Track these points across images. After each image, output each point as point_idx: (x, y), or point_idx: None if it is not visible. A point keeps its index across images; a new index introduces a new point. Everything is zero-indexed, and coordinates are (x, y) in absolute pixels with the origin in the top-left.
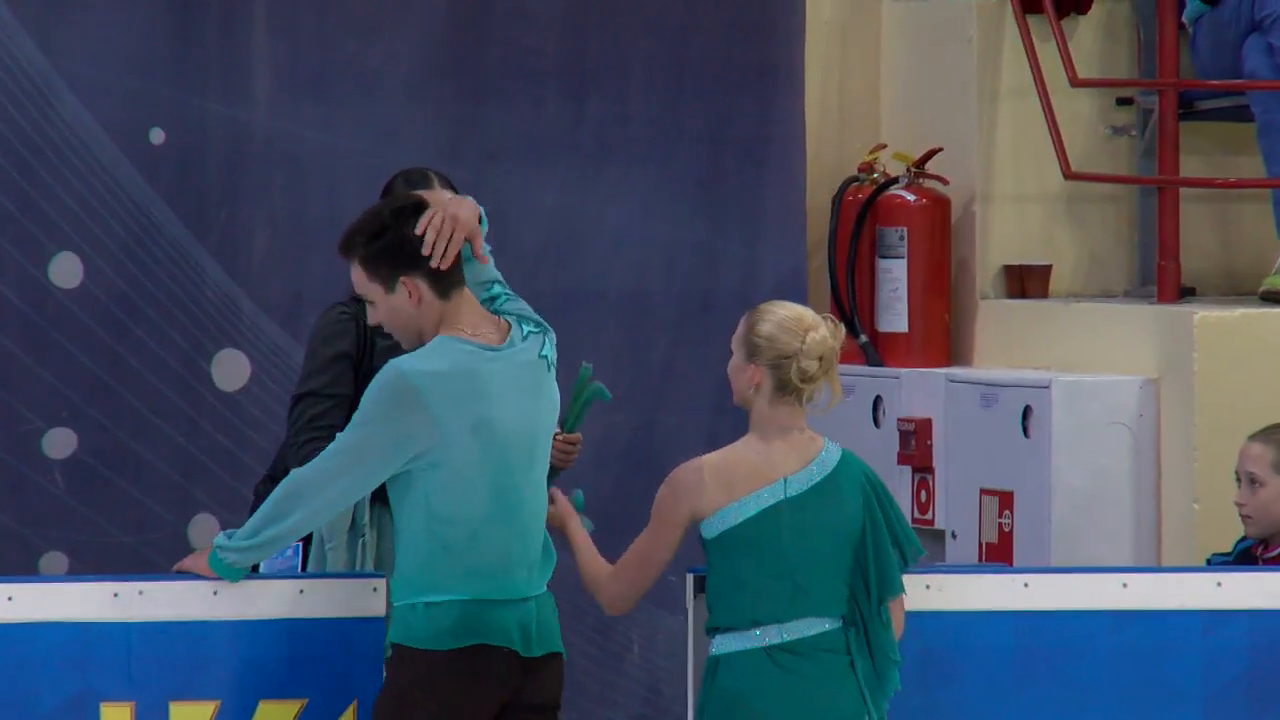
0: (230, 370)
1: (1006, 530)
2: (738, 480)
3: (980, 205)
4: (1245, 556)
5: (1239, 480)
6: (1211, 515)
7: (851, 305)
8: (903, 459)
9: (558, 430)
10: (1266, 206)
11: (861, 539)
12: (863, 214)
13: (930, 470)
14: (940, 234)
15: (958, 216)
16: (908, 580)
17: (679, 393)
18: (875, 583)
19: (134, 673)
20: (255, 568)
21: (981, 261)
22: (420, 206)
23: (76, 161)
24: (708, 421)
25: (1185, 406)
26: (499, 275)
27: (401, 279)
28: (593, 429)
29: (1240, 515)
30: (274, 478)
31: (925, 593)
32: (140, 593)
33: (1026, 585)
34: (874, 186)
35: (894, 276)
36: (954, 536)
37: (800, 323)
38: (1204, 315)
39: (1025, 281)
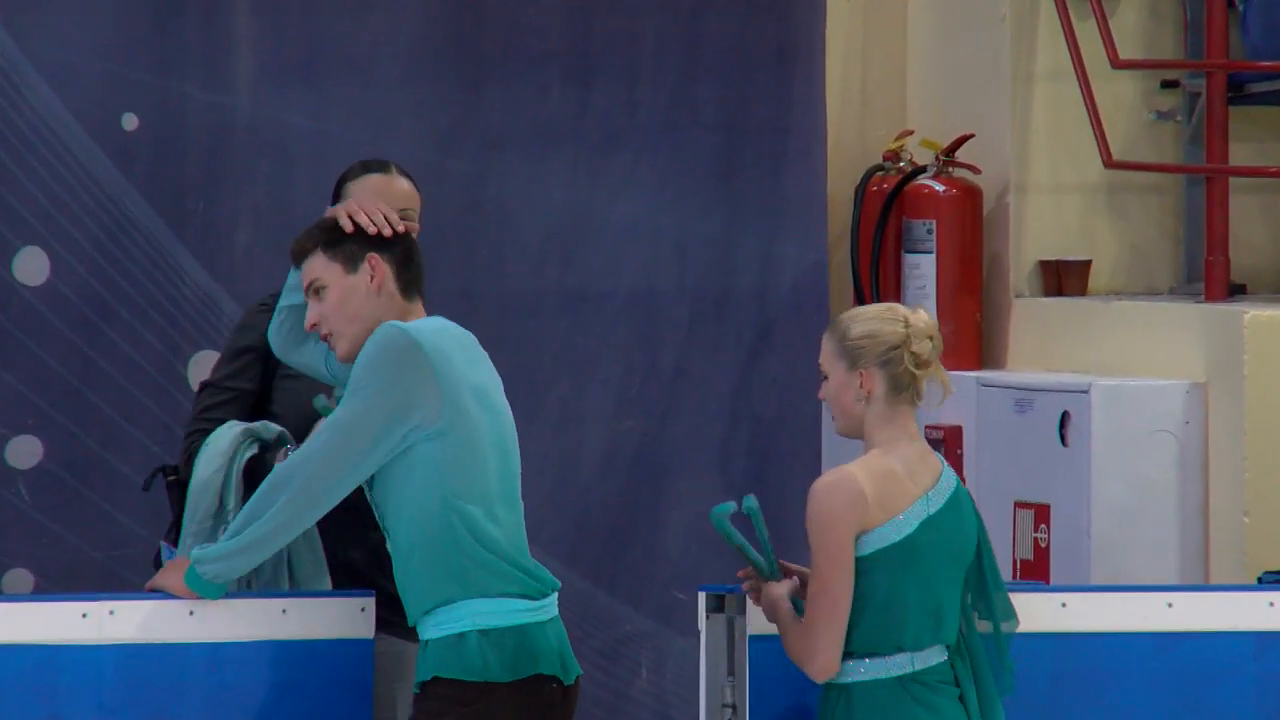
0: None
1: (1043, 546)
2: (891, 495)
3: (1014, 196)
4: None
5: None
6: (1263, 529)
7: (876, 303)
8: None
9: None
10: None
11: (977, 561)
12: (888, 206)
13: (961, 480)
14: (971, 227)
15: (990, 208)
16: None
17: (691, 398)
18: (997, 608)
19: (105, 699)
20: (249, 583)
21: (1015, 257)
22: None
23: (44, 150)
24: (722, 429)
25: (1234, 412)
26: None
27: (368, 256)
28: (598, 435)
29: None
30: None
31: None
32: (111, 613)
33: (1064, 605)
34: (900, 176)
35: (921, 273)
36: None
37: (894, 310)
38: (1255, 315)
39: (1062, 278)
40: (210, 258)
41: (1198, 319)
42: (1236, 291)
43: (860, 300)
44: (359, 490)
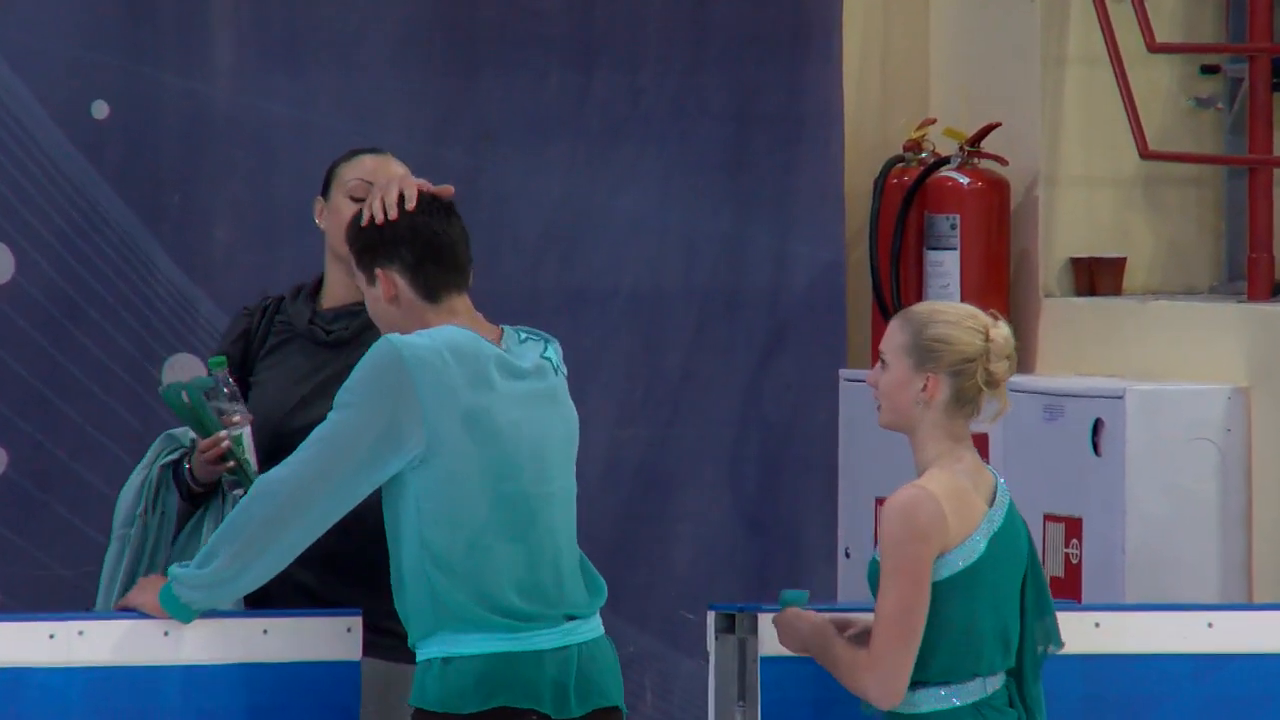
0: (184, 378)
1: (1074, 562)
2: (965, 514)
3: (1044, 189)
4: None
5: None
6: None
7: (896, 304)
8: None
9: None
10: None
11: (1026, 580)
12: (909, 199)
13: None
14: (998, 222)
15: (1018, 202)
16: None
17: (699, 404)
18: (1052, 628)
19: None
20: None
21: (1045, 254)
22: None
23: (8, 140)
24: (732, 436)
25: (1279, 418)
26: None
27: (378, 271)
28: (600, 443)
29: None
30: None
31: None
32: (80, 633)
33: (1097, 625)
34: (922, 168)
35: (945, 270)
36: None
37: (977, 319)
38: None
39: (1095, 276)
40: (186, 255)
41: (1239, 320)
42: None
43: (880, 301)
44: None
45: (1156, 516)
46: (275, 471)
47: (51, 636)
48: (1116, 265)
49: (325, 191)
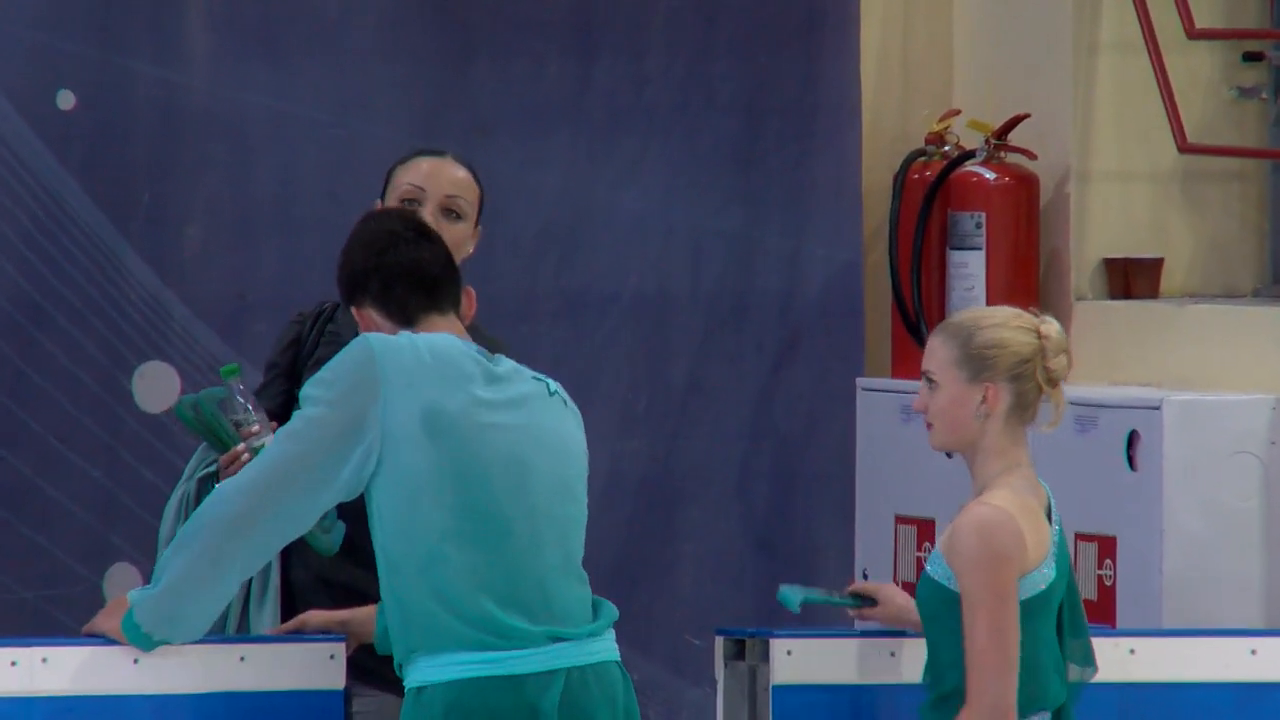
0: (156, 388)
1: (1108, 584)
2: (1038, 535)
3: (1075, 185)
4: None
5: None
6: None
7: (917, 307)
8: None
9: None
10: None
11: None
12: (931, 196)
13: None
14: (1026, 220)
15: (1047, 199)
16: None
17: (706, 415)
18: (1087, 650)
19: None
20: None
21: (1077, 254)
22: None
23: None
24: (741, 449)
25: None
26: None
27: (354, 310)
28: (600, 457)
29: None
30: None
31: None
32: (44, 660)
33: (1133, 651)
34: (945, 162)
35: (969, 272)
36: None
37: (1023, 318)
38: None
39: (1130, 278)
40: (158, 256)
41: None
42: None
43: (901, 305)
44: None
45: (1196, 535)
46: (234, 477)
47: (13, 664)
48: (1153, 266)
49: (383, 196)
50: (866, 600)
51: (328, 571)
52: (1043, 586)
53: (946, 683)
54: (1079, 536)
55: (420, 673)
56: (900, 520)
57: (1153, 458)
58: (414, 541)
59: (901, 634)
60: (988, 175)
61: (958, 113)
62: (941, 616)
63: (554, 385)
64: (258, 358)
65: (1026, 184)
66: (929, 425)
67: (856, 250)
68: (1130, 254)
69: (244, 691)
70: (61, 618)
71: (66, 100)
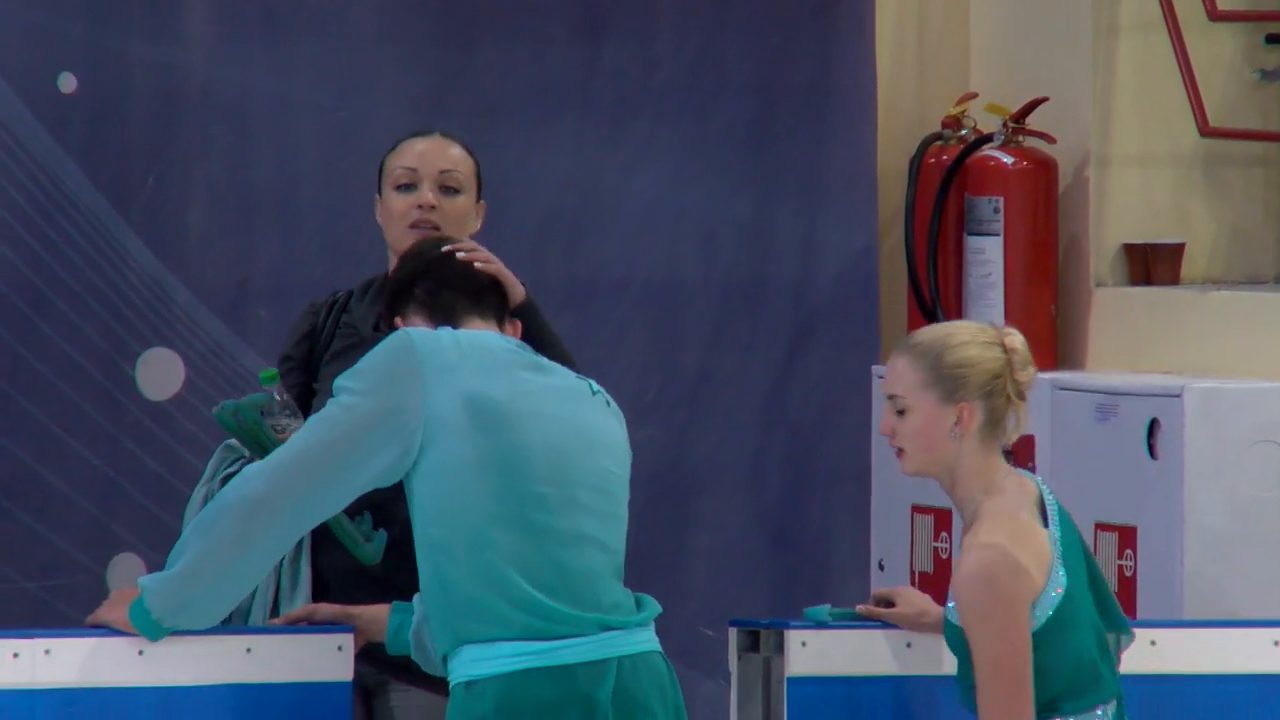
0: (160, 375)
1: (1128, 574)
2: (1038, 550)
3: (1094, 170)
4: None
5: None
6: None
7: (934, 294)
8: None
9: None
10: None
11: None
12: (948, 181)
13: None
14: (1045, 205)
15: (1066, 183)
16: None
17: (719, 404)
18: (1117, 614)
19: None
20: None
21: (1096, 240)
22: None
23: None
24: (754, 439)
25: None
26: None
27: (397, 321)
28: None
29: None
30: None
31: None
32: (47, 652)
33: (1153, 643)
34: (962, 146)
35: (987, 259)
36: None
37: (988, 332)
38: None
39: (1151, 265)
40: (160, 240)
41: None
42: None
43: (917, 292)
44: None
45: (1217, 526)
46: (259, 461)
47: (15, 655)
48: (1174, 252)
49: (379, 188)
50: (885, 603)
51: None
52: (1058, 594)
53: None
54: (1099, 526)
55: (469, 666)
56: (917, 510)
57: (1174, 446)
58: (459, 526)
59: None
60: (1006, 159)
61: (975, 96)
62: (967, 653)
63: (595, 386)
64: (261, 343)
65: (1045, 168)
66: (899, 452)
67: (872, 236)
68: (1151, 239)
69: (250, 683)
70: (64, 608)
71: (67, 83)
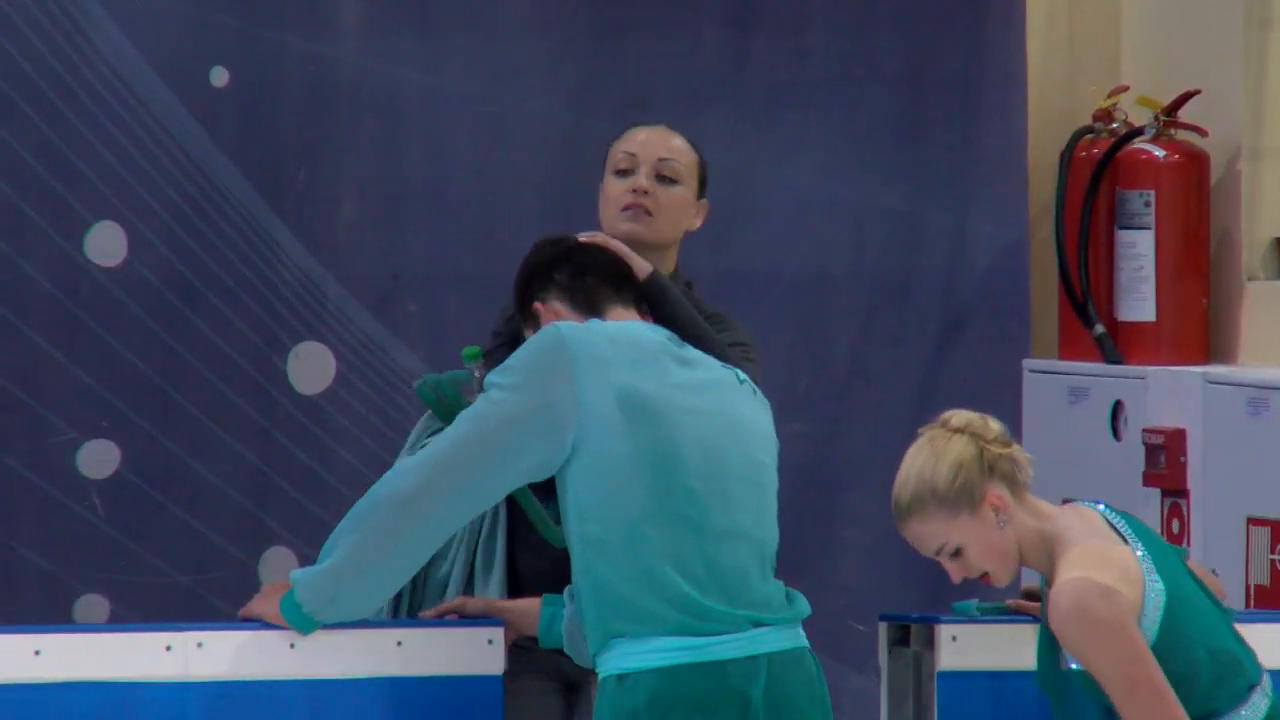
0: (311, 368)
1: None
2: (1124, 569)
3: (1247, 163)
4: None
5: None
6: None
7: (1084, 288)
8: (1150, 479)
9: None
10: None
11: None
12: (1099, 174)
13: (1184, 493)
14: (1196, 199)
15: (1218, 177)
16: None
17: (868, 398)
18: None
19: None
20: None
21: (1248, 233)
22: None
23: (119, 110)
24: (904, 434)
25: None
26: None
27: (536, 306)
28: None
29: None
30: None
31: None
32: (199, 645)
33: None
34: (1113, 139)
35: (1138, 252)
36: (1214, 575)
37: (934, 436)
38: None
39: None
40: (312, 234)
41: None
42: None
43: (1067, 286)
44: None
45: None
46: (413, 456)
47: (168, 648)
48: None
49: (602, 177)
50: (1034, 597)
51: (564, 562)
52: (1163, 600)
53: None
54: (1251, 521)
55: (621, 659)
56: (1066, 503)
57: None
58: (614, 522)
59: None
60: (1157, 153)
61: (1126, 89)
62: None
63: (743, 375)
64: (411, 336)
65: (1196, 161)
66: (985, 577)
67: (1022, 229)
68: None
69: (400, 676)
70: (216, 601)
71: (220, 77)
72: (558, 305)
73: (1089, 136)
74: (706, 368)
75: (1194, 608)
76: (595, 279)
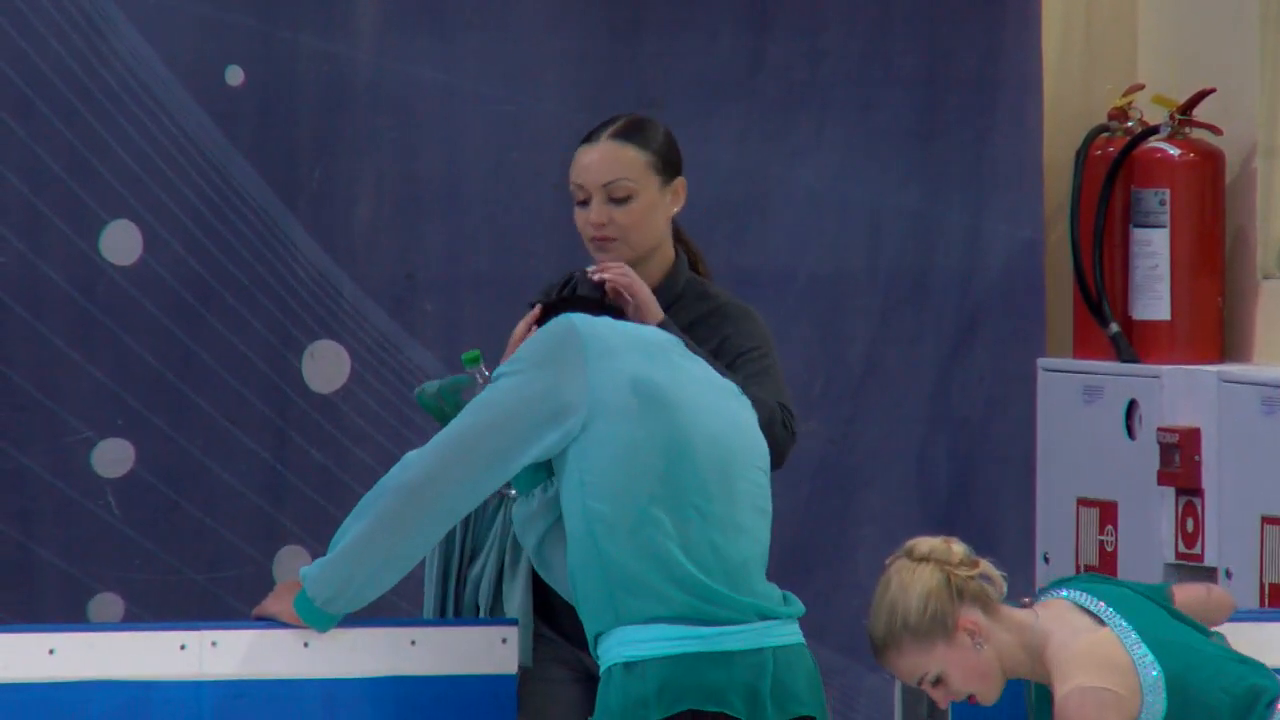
0: (327, 367)
1: None
2: (1114, 661)
3: (1262, 161)
4: None
5: None
6: None
7: (1099, 287)
8: (1164, 478)
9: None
10: None
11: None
12: (1114, 172)
13: (1199, 492)
14: (1211, 197)
15: (1233, 175)
16: None
17: (884, 397)
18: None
19: None
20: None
21: (1264, 232)
22: None
23: (135, 109)
24: (920, 433)
25: None
26: None
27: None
28: None
29: None
30: None
31: None
32: (213, 644)
33: None
34: (1128, 138)
35: (1153, 250)
36: (1229, 576)
37: (900, 569)
38: None
39: None
40: (327, 234)
41: None
42: None
43: (1082, 284)
44: None
45: None
46: (422, 447)
47: (183, 647)
48: None
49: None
50: None
51: None
52: (1163, 685)
53: None
54: (1266, 520)
55: (627, 647)
56: (1082, 503)
57: None
58: (625, 504)
59: None
60: (1172, 151)
61: (1141, 87)
62: None
63: (737, 389)
64: (427, 335)
65: (1212, 160)
66: (972, 700)
67: (1038, 228)
68: None
69: (415, 676)
70: (230, 600)
71: (235, 76)
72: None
73: (1104, 135)
74: (709, 369)
75: (1194, 659)
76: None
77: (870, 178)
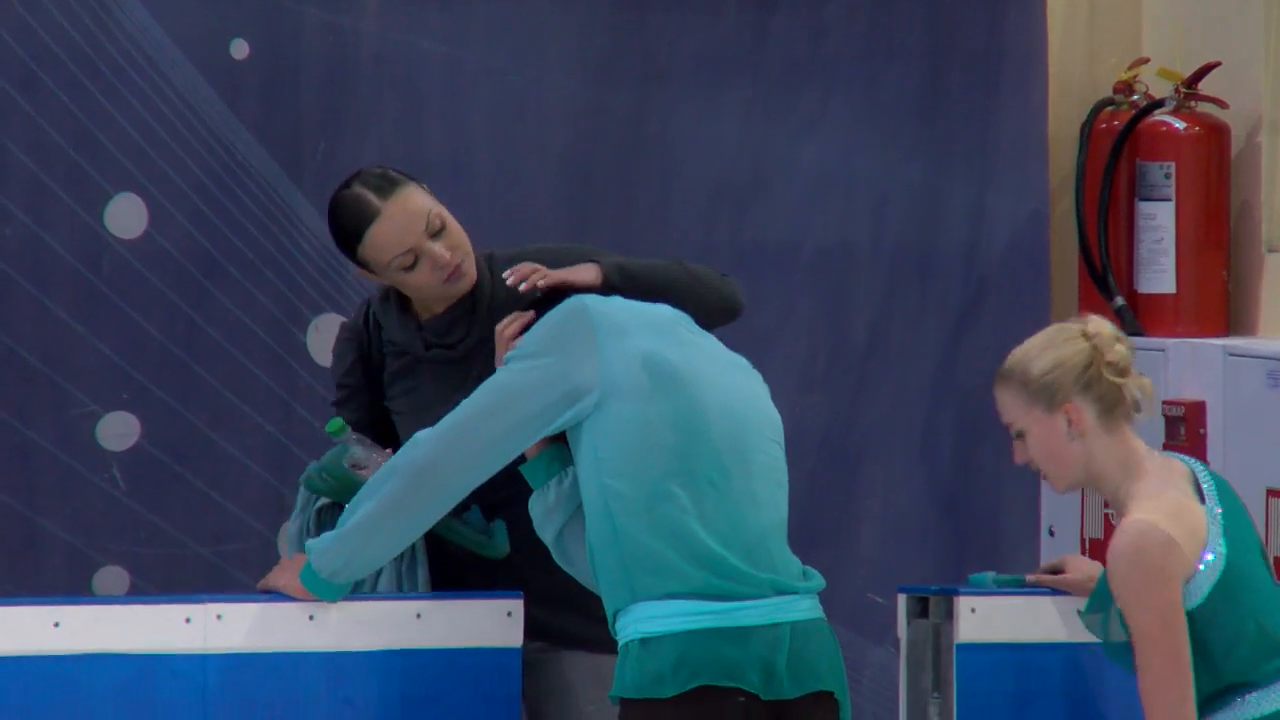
0: (331, 341)
1: None
2: (1192, 526)
3: (1267, 135)
4: None
5: None
6: None
7: (1104, 260)
8: (1170, 451)
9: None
10: None
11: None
12: (1119, 146)
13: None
14: (1217, 170)
15: (1239, 148)
16: None
17: (888, 373)
18: None
19: (210, 715)
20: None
21: (1269, 205)
22: None
23: (140, 82)
24: (924, 410)
25: None
26: None
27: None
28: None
29: None
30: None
31: None
32: (218, 617)
33: None
34: (1133, 112)
35: (1158, 224)
36: None
37: (1066, 330)
38: None
39: None
40: None
41: None
42: None
43: (1087, 258)
44: None
45: None
46: (431, 427)
47: (188, 620)
48: None
49: (368, 270)
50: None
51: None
52: (1219, 567)
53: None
54: (1271, 493)
55: (644, 623)
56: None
57: None
58: (641, 480)
59: None
60: (1177, 125)
61: (1146, 61)
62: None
63: (747, 363)
64: None
65: (1217, 133)
66: (1043, 475)
67: (1043, 202)
68: None
69: (419, 649)
70: (235, 573)
71: (240, 49)
72: None
73: (1109, 109)
74: (719, 345)
75: (1253, 579)
76: None
77: (874, 152)
